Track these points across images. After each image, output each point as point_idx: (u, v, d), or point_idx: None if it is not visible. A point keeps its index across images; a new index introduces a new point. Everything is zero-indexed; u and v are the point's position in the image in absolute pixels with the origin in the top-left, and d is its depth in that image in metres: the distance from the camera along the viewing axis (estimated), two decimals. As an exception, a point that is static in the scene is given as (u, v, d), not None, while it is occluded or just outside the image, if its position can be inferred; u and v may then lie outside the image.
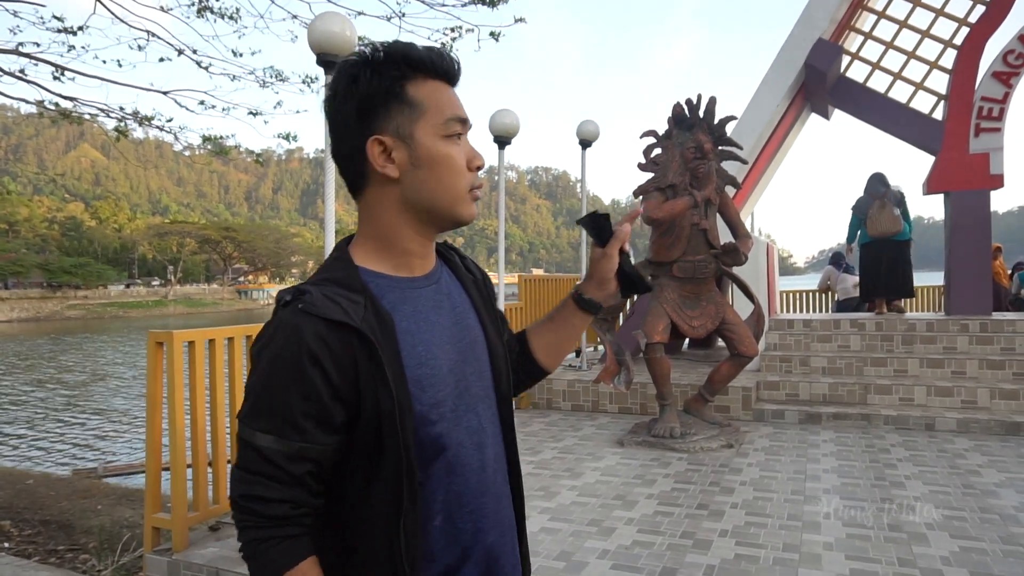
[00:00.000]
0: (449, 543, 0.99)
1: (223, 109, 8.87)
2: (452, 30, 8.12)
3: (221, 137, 9.41)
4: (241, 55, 8.55)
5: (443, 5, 7.90)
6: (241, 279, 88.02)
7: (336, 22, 3.59)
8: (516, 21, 8.31)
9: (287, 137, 9.40)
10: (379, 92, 0.97)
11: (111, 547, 4.57)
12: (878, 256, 7.85)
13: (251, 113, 8.92)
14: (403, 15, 7.96)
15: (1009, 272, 10.80)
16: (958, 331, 6.81)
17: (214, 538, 3.48)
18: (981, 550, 3.21)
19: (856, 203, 8.08)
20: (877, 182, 7.91)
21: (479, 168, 1.04)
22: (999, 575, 2.95)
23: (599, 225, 1.13)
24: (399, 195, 1.00)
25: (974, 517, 3.63)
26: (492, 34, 8.12)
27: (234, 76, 8.59)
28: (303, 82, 8.70)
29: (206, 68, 8.42)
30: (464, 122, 1.02)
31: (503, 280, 5.77)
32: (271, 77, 8.72)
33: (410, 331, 0.98)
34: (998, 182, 7.32)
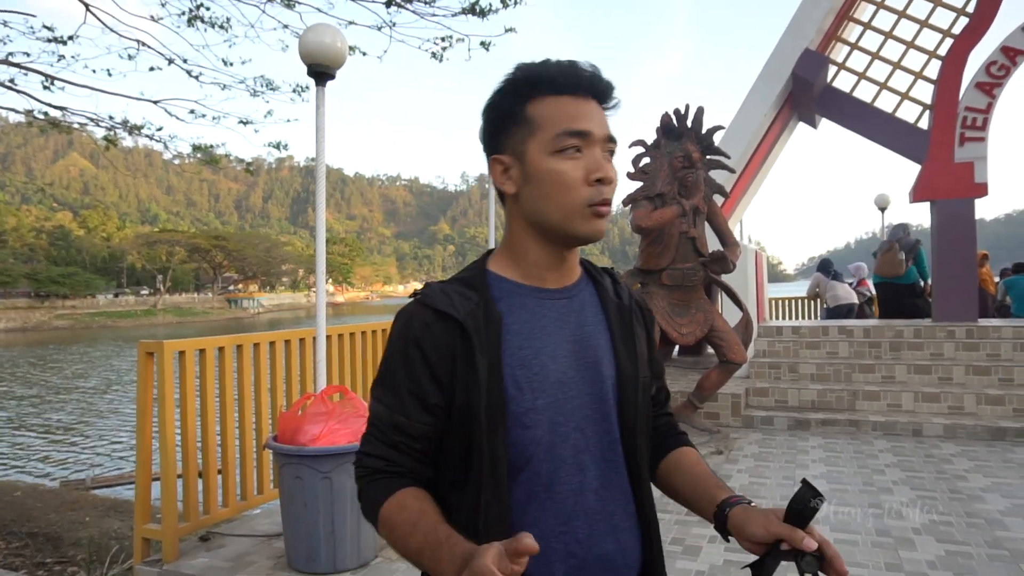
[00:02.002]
0: (541, 562, 0.98)
1: (213, 118, 8.86)
2: (443, 39, 8.17)
3: (211, 146, 9.39)
4: (231, 64, 8.56)
5: (433, 15, 7.94)
6: (231, 288, 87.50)
7: (327, 33, 3.62)
8: (506, 31, 8.34)
9: (277, 146, 9.39)
10: (503, 115, 1.03)
11: (100, 559, 4.54)
12: (885, 296, 8.64)
13: (241, 122, 8.91)
14: (394, 25, 7.99)
15: (996, 279, 10.92)
16: (945, 337, 6.88)
17: (204, 548, 3.47)
18: (967, 554, 3.25)
19: (880, 245, 9.00)
20: (899, 229, 8.75)
21: (601, 181, 1.00)
22: (984, 579, 2.99)
23: (805, 505, 0.93)
24: (521, 210, 1.05)
25: (960, 522, 3.67)
26: (483, 44, 8.15)
27: (224, 85, 8.58)
28: (294, 91, 8.71)
29: (196, 77, 8.42)
30: (582, 135, 0.99)
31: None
32: (262, 86, 8.73)
33: (520, 333, 1.01)
34: (982, 190, 7.42)
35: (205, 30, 8.05)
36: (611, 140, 1.02)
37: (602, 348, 1.06)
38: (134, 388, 3.42)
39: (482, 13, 7.92)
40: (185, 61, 8.22)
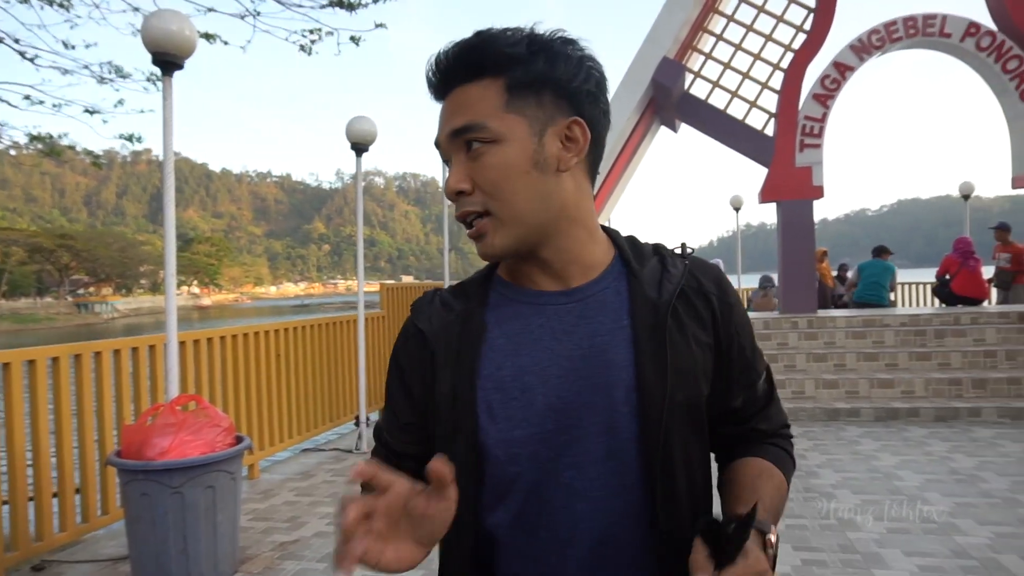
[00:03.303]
0: None
1: (54, 105, 8.13)
2: (311, 32, 7.92)
3: (52, 136, 8.62)
4: (74, 47, 7.89)
5: (299, 7, 7.67)
6: (81, 291, 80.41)
7: (174, 20, 3.40)
8: (376, 26, 8.20)
9: (130, 138, 8.76)
10: None
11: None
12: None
13: (87, 111, 8.25)
14: (258, 14, 7.65)
15: (834, 273, 12.02)
16: (790, 328, 7.48)
17: (37, 578, 3.17)
18: (802, 526, 3.55)
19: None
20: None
21: (451, 195, 0.83)
22: (816, 547, 3.28)
23: (727, 537, 0.72)
24: None
25: (799, 497, 4.01)
26: (352, 38, 7.97)
27: (66, 70, 7.90)
28: (147, 79, 8.15)
29: (31, 60, 7.69)
30: (438, 146, 0.84)
31: (363, 289, 5.68)
32: (109, 72, 8.10)
33: (504, 350, 0.84)
34: (819, 192, 8.13)
35: (42, 7, 7.37)
36: (460, 131, 0.80)
37: (618, 363, 0.81)
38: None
39: (350, 7, 7.76)
40: (17, 41, 7.48)
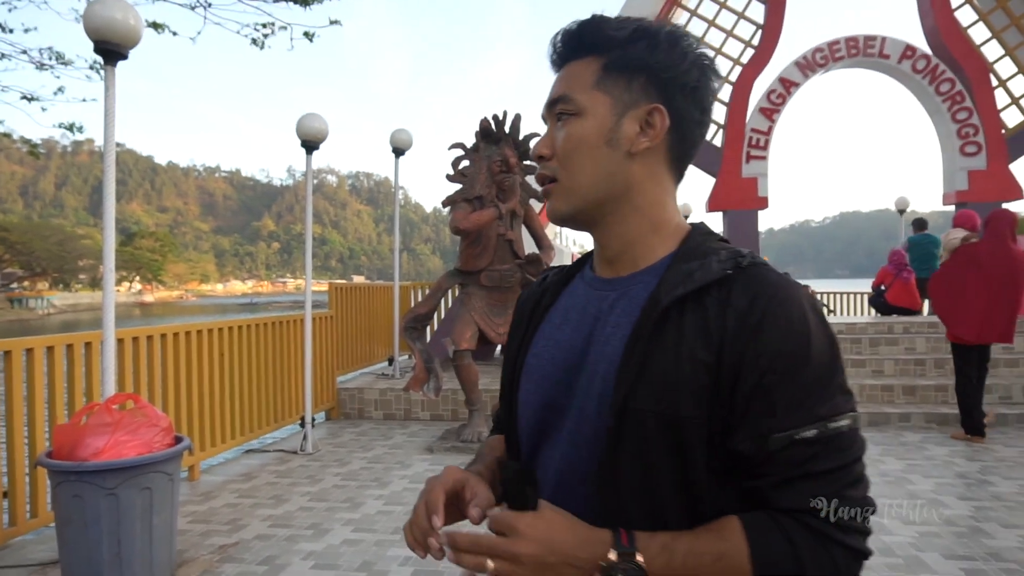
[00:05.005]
0: None
1: (-13, 91, 7.86)
2: (264, 26, 7.82)
3: (-16, 123, 8.33)
4: (11, 31, 7.63)
5: (251, -1, 7.56)
6: (14, 286, 77.02)
7: (117, 8, 3.31)
8: (331, 23, 8.14)
9: (71, 128, 8.50)
10: None
11: None
12: None
13: (25, 98, 7.99)
14: (209, 5, 7.52)
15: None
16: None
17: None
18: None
19: None
20: None
21: (535, 159, 0.90)
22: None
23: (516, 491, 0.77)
24: None
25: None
26: (306, 34, 7.90)
27: (2, 54, 7.66)
28: (91, 67, 7.91)
29: (-36, 43, 7.40)
30: (547, 105, 0.90)
31: (310, 288, 5.61)
32: (49, 59, 7.86)
33: (553, 325, 0.94)
34: (764, 203, 8.38)
35: (-25, -11, 7.10)
36: (552, 102, 0.89)
37: (608, 357, 0.82)
38: None
39: (304, 2, 7.69)
40: (-53, 23, 7.19)
